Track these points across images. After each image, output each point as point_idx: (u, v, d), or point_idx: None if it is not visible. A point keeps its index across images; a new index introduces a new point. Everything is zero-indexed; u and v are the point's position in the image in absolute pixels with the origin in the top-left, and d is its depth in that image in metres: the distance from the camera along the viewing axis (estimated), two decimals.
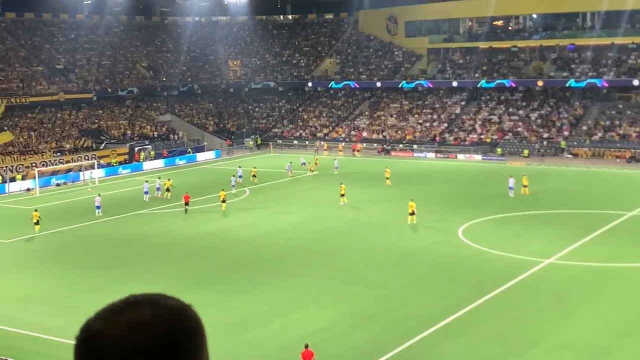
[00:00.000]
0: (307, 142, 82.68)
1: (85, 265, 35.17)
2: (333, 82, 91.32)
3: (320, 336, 24.41)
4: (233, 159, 76.55)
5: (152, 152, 74.22)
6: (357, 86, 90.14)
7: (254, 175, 58.20)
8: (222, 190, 48.77)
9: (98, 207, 47.33)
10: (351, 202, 48.14)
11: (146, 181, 54.35)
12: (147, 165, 71.29)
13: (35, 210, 43.49)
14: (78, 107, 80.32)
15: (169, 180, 54.61)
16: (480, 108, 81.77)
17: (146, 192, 52.30)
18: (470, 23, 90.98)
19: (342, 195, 48.00)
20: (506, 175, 51.44)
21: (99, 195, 49.30)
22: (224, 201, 47.34)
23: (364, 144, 78.55)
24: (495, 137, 75.92)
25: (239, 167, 60.39)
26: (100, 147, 72.97)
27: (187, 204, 47.03)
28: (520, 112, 78.99)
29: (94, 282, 31.87)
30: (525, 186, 49.25)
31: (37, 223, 42.18)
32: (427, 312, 26.71)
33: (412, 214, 41.38)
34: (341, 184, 49.41)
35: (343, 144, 78.62)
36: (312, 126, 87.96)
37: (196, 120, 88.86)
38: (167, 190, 53.03)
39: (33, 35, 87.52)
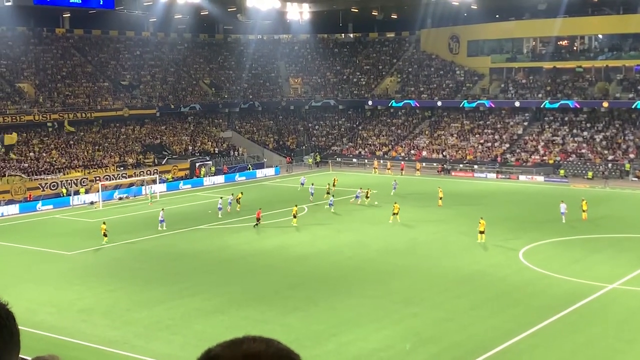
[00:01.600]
0: (366, 161, 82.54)
1: (144, 279, 35.62)
2: (393, 100, 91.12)
3: (376, 356, 24.17)
4: (292, 175, 76.89)
5: (213, 168, 75.07)
6: (418, 105, 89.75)
7: (327, 192, 58.46)
8: (296, 205, 49.11)
9: (162, 221, 48.01)
10: (409, 221, 47.79)
11: (221, 197, 54.66)
12: (208, 181, 72.08)
13: (104, 223, 44.72)
14: (141, 123, 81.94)
15: (241, 193, 55.76)
16: (543, 129, 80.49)
17: (220, 209, 52.62)
18: (534, 43, 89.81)
19: (395, 213, 47.86)
20: (570, 197, 50.43)
21: (163, 209, 50.00)
22: (295, 216, 47.71)
23: (424, 163, 78.00)
24: (558, 158, 74.59)
25: (311, 183, 60.21)
26: (162, 162, 74.20)
27: (258, 219, 47.49)
28: (585, 133, 77.49)
29: (153, 296, 32.24)
30: (584, 211, 47.89)
31: (105, 235, 43.43)
32: (486, 335, 26.21)
33: (482, 232, 40.93)
34: (395, 202, 49.37)
35: (403, 162, 78.09)
36: (372, 145, 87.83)
37: (256, 137, 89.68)
38: (238, 202, 54.08)
39: (100, 52, 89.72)
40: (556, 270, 35.30)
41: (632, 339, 25.92)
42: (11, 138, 68.42)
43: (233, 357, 2.06)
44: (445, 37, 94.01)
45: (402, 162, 77.23)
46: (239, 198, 54.92)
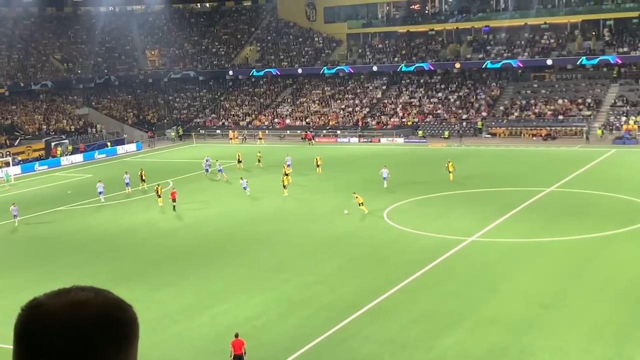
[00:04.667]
0: (229, 131, 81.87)
1: (3, 266, 34.02)
2: (254, 70, 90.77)
3: (250, 325, 24.25)
4: (155, 150, 75.42)
5: (70, 147, 72.33)
6: (279, 73, 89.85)
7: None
8: (158, 185, 47.44)
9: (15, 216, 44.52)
10: (273, 190, 47.91)
11: (126, 172, 51.56)
12: (65, 160, 69.42)
13: None
14: None
15: (141, 169, 53.15)
16: (400, 92, 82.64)
17: (127, 184, 50.18)
18: (387, 7, 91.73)
19: (285, 186, 47.02)
20: (430, 157, 52.03)
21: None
22: (159, 195, 45.57)
23: (288, 131, 78.37)
24: (416, 120, 76.89)
25: (217, 161, 58.12)
26: (15, 144, 70.74)
27: (174, 200, 44.43)
28: (440, 94, 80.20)
29: (14, 283, 30.84)
30: (450, 172, 49.21)
31: None
32: (355, 295, 26.83)
33: (362, 204, 40.00)
34: (286, 174, 48.72)
35: (309, 132, 78.01)
36: (235, 115, 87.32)
37: (115, 112, 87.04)
38: (143, 180, 51.64)
39: None
40: (418, 227, 36.54)
41: (492, 286, 27.26)
42: None
43: (59, 304, 1.96)
44: (302, 4, 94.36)
45: (309, 133, 76.35)
46: (142, 173, 52.02)
